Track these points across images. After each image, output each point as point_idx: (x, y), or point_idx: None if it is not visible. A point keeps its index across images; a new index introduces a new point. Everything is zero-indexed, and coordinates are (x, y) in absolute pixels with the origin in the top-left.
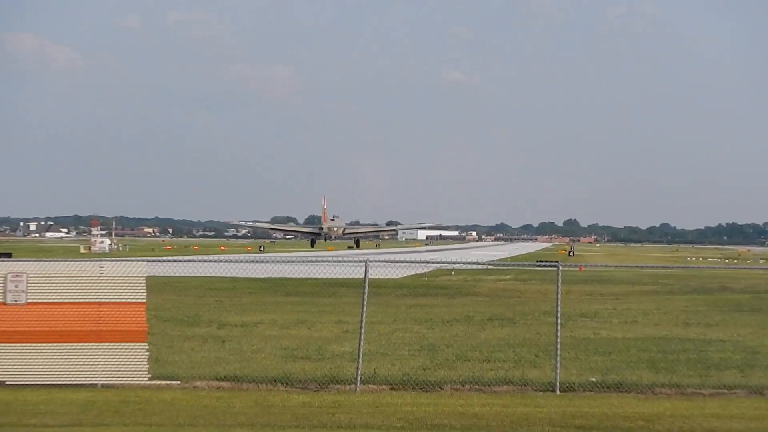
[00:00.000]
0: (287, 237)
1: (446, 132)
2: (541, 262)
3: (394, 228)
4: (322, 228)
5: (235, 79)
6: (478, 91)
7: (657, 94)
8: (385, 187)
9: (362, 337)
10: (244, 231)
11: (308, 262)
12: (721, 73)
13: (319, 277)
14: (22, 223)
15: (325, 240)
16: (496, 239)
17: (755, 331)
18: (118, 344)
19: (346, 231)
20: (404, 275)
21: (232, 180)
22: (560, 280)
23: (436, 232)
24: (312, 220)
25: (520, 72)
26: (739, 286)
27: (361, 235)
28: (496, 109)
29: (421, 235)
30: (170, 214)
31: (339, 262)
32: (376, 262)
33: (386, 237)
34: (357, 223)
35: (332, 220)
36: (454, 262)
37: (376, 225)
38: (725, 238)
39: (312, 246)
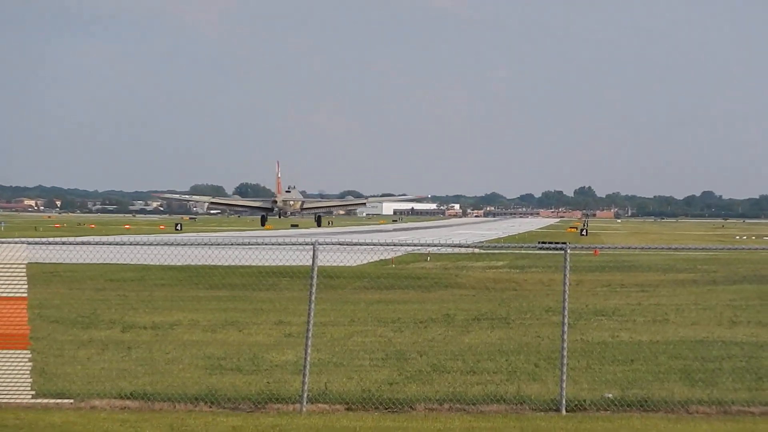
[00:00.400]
0: (212, 212)
1: (424, 76)
2: (545, 243)
3: (362, 201)
4: (275, 202)
5: (141, 2)
6: (469, 22)
7: (700, 15)
8: (344, 148)
9: (309, 343)
10: (155, 205)
11: (239, 245)
12: None
13: (254, 264)
14: None
15: (279, 217)
16: (486, 214)
17: None
18: None
19: (305, 206)
20: (365, 262)
21: (137, 138)
22: (568, 267)
23: (408, 206)
24: (244, 190)
25: None
26: None
27: (324, 210)
28: (491, 44)
29: (388, 209)
30: (58, 182)
31: (280, 245)
32: (327, 244)
33: (341, 212)
34: (316, 195)
35: (287, 192)
36: (430, 245)
37: (345, 198)
38: None
39: (263, 224)
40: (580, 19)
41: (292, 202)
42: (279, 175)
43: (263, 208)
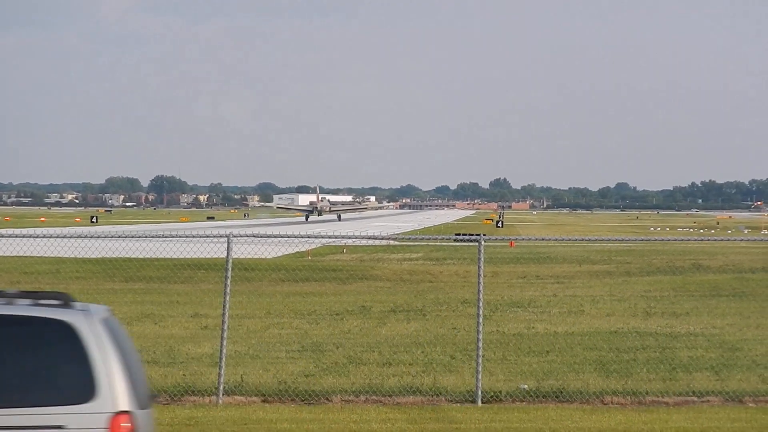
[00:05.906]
0: (128, 205)
1: (339, 66)
2: (460, 235)
3: (368, 203)
4: (316, 207)
5: None
6: (378, 10)
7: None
8: (255, 140)
9: (225, 335)
10: (70, 197)
11: (154, 237)
12: None
13: (170, 257)
14: None
15: (318, 215)
16: (402, 206)
17: (735, 322)
18: None
19: (332, 208)
20: (281, 254)
21: (50, 131)
22: (483, 259)
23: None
24: (160, 182)
25: None
26: (717, 264)
27: (342, 210)
28: (407, 34)
29: (304, 201)
30: None
31: (195, 237)
32: (241, 236)
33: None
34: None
35: (322, 201)
36: (346, 237)
37: (355, 202)
38: (700, 201)
39: (306, 219)
40: (493, 10)
41: (325, 207)
42: (318, 192)
43: (308, 210)
